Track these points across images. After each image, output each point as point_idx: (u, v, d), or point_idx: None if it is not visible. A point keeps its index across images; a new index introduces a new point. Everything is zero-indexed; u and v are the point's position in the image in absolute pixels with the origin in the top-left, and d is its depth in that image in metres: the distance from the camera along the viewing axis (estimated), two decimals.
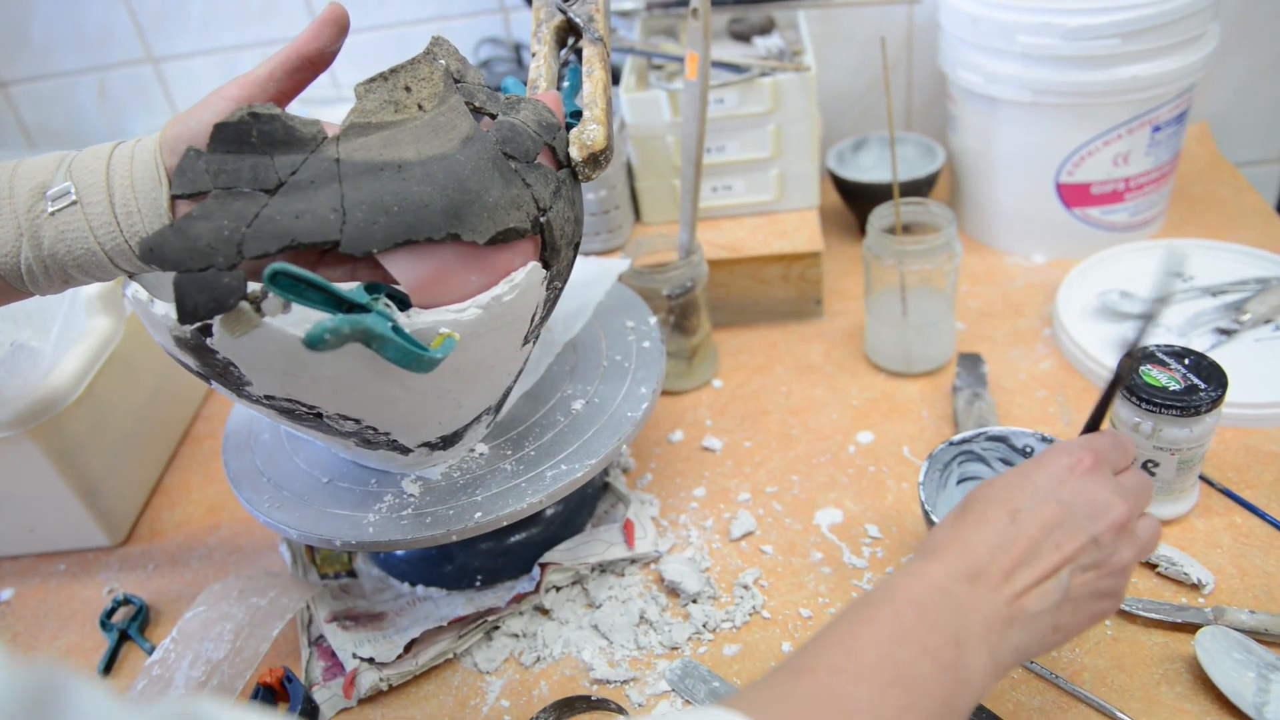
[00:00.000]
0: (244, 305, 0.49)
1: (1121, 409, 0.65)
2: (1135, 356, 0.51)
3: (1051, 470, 0.48)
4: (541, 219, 0.56)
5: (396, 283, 0.53)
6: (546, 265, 0.58)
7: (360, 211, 0.49)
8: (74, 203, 0.50)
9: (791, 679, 0.42)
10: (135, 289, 0.54)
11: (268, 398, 0.55)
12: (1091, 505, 0.47)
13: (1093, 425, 0.54)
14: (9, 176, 0.51)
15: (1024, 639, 0.46)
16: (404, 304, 0.53)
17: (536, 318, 0.60)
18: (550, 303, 0.62)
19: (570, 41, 0.66)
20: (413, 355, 0.50)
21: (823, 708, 0.40)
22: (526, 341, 0.61)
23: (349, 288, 0.50)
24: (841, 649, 0.42)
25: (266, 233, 0.48)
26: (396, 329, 0.50)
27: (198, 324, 0.50)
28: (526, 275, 0.56)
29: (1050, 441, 0.65)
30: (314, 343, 0.46)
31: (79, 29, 1.18)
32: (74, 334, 0.80)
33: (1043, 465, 0.49)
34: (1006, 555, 0.46)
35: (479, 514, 0.61)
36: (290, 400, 0.55)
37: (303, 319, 0.50)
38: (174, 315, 0.49)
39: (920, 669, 0.42)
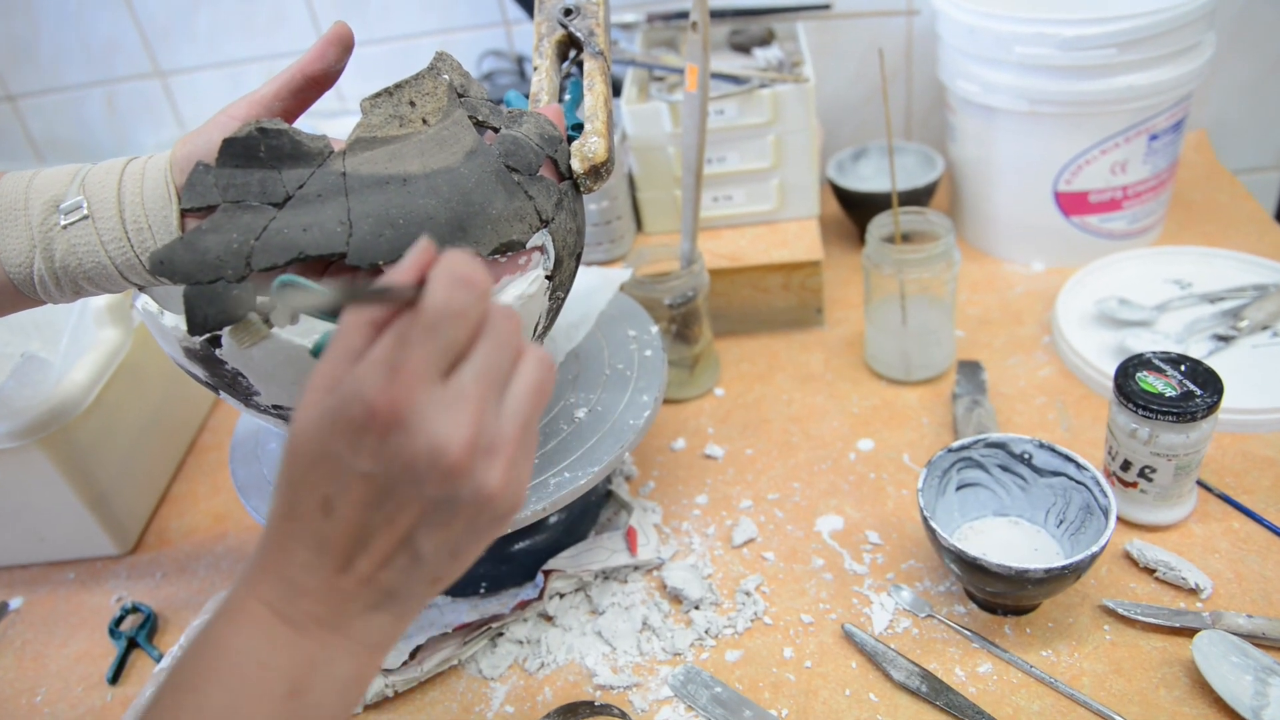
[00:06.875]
0: (252, 317, 0.50)
1: (1119, 415, 0.66)
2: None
3: (343, 434, 0.37)
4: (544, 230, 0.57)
5: None
6: (549, 276, 0.59)
7: (366, 224, 0.50)
8: (85, 217, 0.51)
9: None
10: (145, 301, 0.55)
11: (275, 407, 0.56)
12: (409, 468, 0.37)
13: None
14: (24, 188, 0.52)
15: (401, 607, 0.41)
16: None
17: (539, 327, 0.61)
18: (553, 313, 0.63)
19: (572, 55, 0.67)
20: None
21: None
22: None
23: None
24: None
25: (275, 245, 0.49)
26: None
27: (207, 335, 0.50)
28: (529, 285, 0.56)
29: (1049, 449, 0.65)
30: (320, 352, 0.47)
31: (86, 43, 1.19)
32: (83, 345, 0.81)
33: (335, 425, 0.37)
34: (330, 555, 0.39)
35: None
36: None
37: (310, 330, 0.51)
38: (184, 327, 0.50)
39: None
